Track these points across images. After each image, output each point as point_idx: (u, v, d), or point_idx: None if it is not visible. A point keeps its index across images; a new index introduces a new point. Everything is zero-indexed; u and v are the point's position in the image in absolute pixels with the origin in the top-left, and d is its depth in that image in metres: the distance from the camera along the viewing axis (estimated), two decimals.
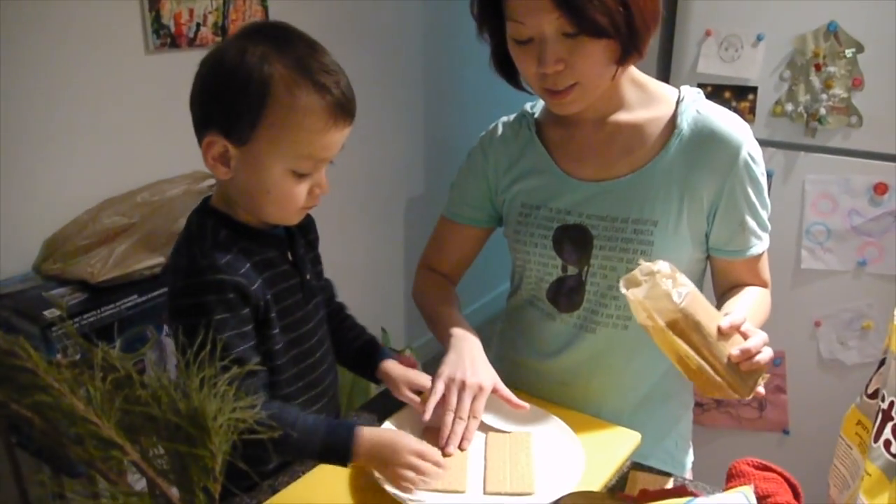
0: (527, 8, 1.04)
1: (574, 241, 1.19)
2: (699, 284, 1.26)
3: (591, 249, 1.18)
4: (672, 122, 1.17)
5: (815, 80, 1.96)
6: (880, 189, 1.94)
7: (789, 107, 2.00)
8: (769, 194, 1.20)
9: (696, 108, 1.17)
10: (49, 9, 1.75)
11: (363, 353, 1.23)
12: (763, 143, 2.03)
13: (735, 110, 2.01)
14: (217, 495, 0.61)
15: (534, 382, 1.25)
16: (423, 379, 1.14)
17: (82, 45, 1.84)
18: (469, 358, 1.14)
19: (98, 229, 1.80)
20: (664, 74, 2.18)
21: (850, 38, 1.91)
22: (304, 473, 1.07)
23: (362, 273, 2.91)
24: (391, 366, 1.18)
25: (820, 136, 1.99)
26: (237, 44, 0.96)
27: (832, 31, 1.92)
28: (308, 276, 1.12)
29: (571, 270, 1.20)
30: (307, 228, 1.17)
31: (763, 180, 1.18)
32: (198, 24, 2.06)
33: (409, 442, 1.01)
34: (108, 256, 1.73)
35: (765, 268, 1.24)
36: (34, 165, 1.79)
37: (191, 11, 2.03)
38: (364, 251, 2.90)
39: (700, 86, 2.07)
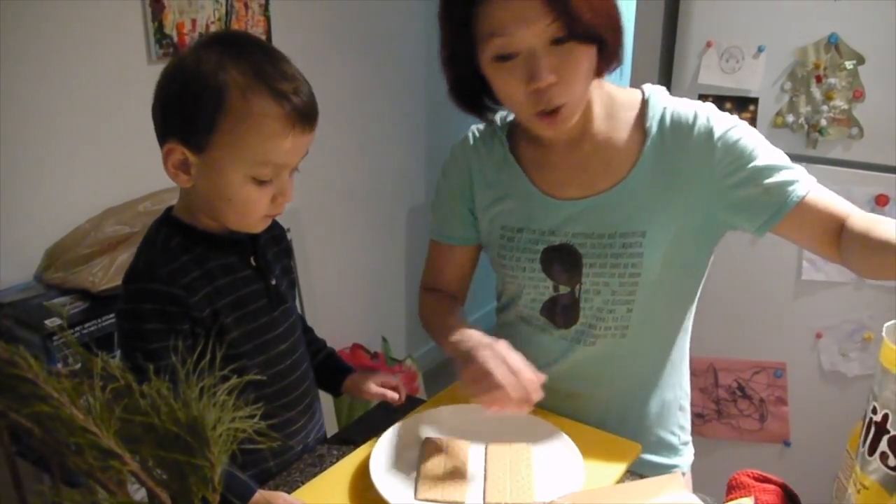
0: (515, 17, 0.99)
1: (563, 261, 1.17)
2: (696, 288, 1.24)
3: (582, 268, 1.16)
4: (642, 126, 1.15)
5: (816, 92, 1.97)
6: (881, 201, 1.94)
7: (790, 118, 2.01)
8: None
9: (664, 105, 1.15)
10: (51, 17, 1.76)
11: (325, 366, 1.26)
12: None
13: None
14: None
15: None
16: (385, 376, 1.23)
17: (85, 55, 1.85)
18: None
19: (100, 238, 1.80)
20: (665, 86, 2.18)
21: (850, 50, 1.91)
22: (302, 483, 1.07)
23: (363, 282, 2.91)
24: (355, 376, 1.25)
25: (821, 147, 1.99)
26: (194, 53, 0.98)
27: (833, 42, 1.92)
28: (274, 282, 1.12)
29: (563, 289, 1.19)
30: (279, 238, 1.18)
31: (746, 133, 1.11)
32: (200, 34, 2.07)
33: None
34: (110, 266, 1.74)
35: (835, 199, 1.08)
36: (36, 174, 1.80)
37: (193, 21, 2.04)
38: (365, 260, 2.90)
39: (701, 97, 2.08)
